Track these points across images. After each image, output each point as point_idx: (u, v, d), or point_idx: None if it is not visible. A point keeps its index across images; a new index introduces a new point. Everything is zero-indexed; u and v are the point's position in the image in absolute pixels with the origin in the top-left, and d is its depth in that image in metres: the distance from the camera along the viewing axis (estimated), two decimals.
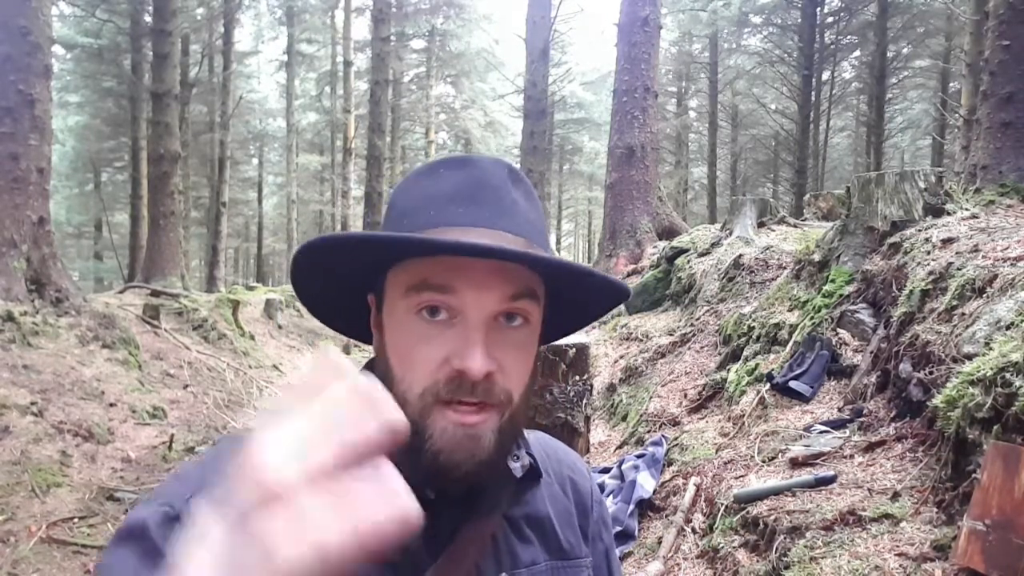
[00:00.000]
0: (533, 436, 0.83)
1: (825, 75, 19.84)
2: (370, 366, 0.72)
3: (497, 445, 0.64)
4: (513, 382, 0.65)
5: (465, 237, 0.63)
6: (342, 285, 0.71)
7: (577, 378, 3.90)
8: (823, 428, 3.20)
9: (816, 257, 4.68)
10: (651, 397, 4.95)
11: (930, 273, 3.30)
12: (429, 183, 0.69)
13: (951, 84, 18.53)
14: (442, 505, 0.67)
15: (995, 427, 2.09)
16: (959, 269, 3.13)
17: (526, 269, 0.64)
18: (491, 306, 0.63)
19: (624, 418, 5.09)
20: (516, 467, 0.74)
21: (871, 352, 3.49)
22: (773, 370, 3.97)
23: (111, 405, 6.05)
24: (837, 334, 3.91)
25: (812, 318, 4.17)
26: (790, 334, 4.25)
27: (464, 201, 0.66)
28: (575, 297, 0.73)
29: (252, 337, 10.85)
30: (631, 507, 3.39)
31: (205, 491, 0.58)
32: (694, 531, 3.04)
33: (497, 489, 0.71)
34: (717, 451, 3.58)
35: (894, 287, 3.62)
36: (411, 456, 0.61)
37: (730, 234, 7.20)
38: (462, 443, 0.62)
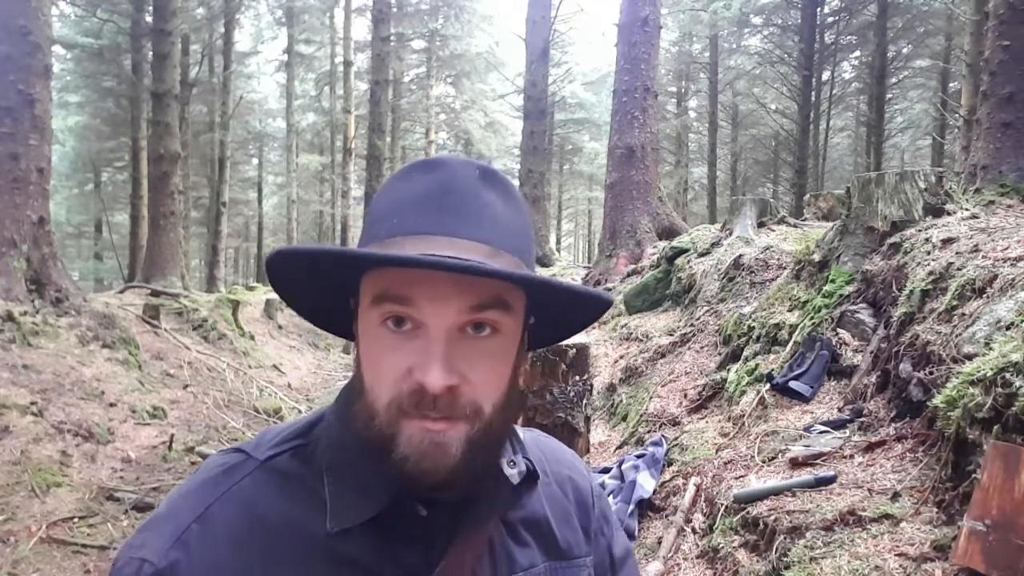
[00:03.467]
0: (530, 436, 0.83)
1: (825, 75, 19.83)
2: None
3: (467, 455, 0.63)
4: (482, 393, 0.64)
5: (422, 246, 0.62)
6: (320, 289, 0.71)
7: (577, 378, 3.90)
8: (823, 428, 3.20)
9: (816, 257, 4.68)
10: (651, 397, 4.95)
11: (930, 273, 3.30)
12: (401, 187, 0.68)
13: (951, 84, 18.53)
14: (438, 515, 0.67)
15: (995, 427, 2.09)
16: (959, 269, 3.13)
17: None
18: (451, 318, 0.62)
19: (624, 418, 5.09)
20: (513, 473, 0.73)
21: (871, 352, 3.49)
22: (773, 370, 3.97)
23: (111, 405, 6.05)
24: (837, 334, 3.91)
25: (812, 318, 4.16)
26: (790, 334, 4.25)
27: (427, 208, 0.65)
28: (552, 307, 0.71)
29: (252, 337, 10.85)
30: (631, 507, 3.39)
31: (180, 542, 0.62)
32: (694, 531, 3.04)
33: (492, 497, 0.71)
34: (717, 451, 3.58)
35: (894, 287, 3.61)
36: (382, 465, 0.63)
37: (730, 234, 7.20)
38: (428, 450, 0.61)
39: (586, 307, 0.73)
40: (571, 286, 0.68)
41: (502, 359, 0.66)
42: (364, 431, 0.64)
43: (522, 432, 0.81)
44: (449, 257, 0.61)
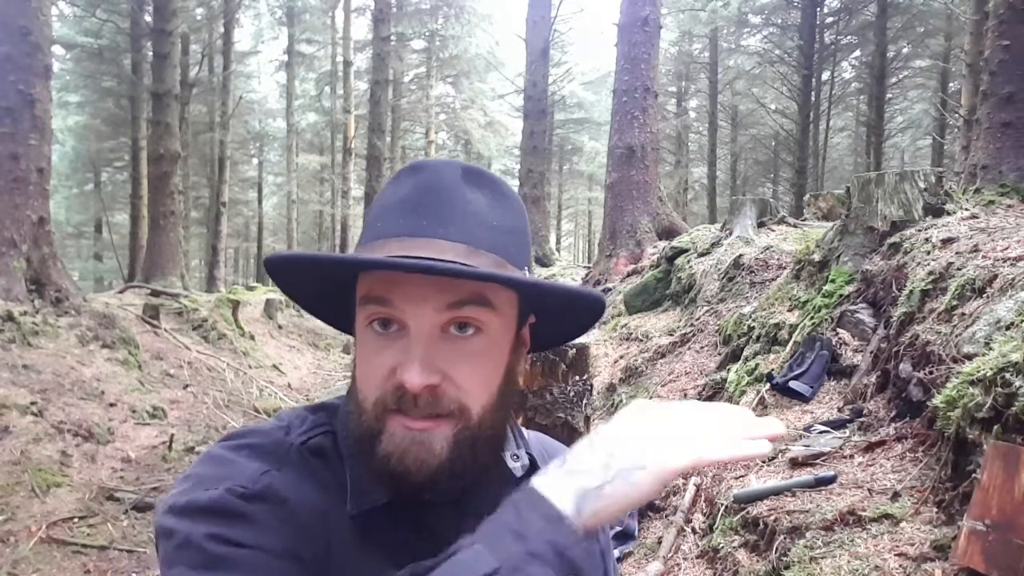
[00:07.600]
0: (532, 435, 0.85)
1: (825, 75, 19.83)
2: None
3: (453, 454, 0.64)
4: (467, 392, 0.64)
5: (400, 248, 0.64)
6: (321, 289, 0.73)
7: (577, 378, 3.89)
8: (823, 428, 3.20)
9: (816, 257, 4.68)
10: (651, 397, 4.95)
11: (930, 273, 3.30)
12: (391, 191, 0.70)
13: (951, 84, 18.51)
14: (443, 506, 0.68)
15: (995, 427, 2.09)
16: (959, 269, 3.13)
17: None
18: (429, 318, 0.63)
19: None
20: (516, 467, 0.74)
21: (871, 352, 3.49)
22: (773, 370, 3.97)
23: (111, 405, 6.05)
24: (837, 334, 3.91)
25: (812, 318, 4.16)
26: (790, 334, 4.25)
27: (408, 210, 0.67)
28: (544, 307, 0.72)
29: (252, 337, 10.84)
30: None
31: (268, 473, 0.62)
32: (694, 531, 3.04)
33: (497, 489, 0.71)
34: None
35: (894, 287, 3.61)
36: (370, 462, 0.65)
37: (730, 234, 7.20)
38: (410, 449, 0.63)
39: (572, 302, 0.73)
40: (549, 284, 0.68)
41: (489, 358, 0.66)
42: (355, 428, 0.67)
43: (525, 432, 0.82)
44: (422, 258, 0.62)
